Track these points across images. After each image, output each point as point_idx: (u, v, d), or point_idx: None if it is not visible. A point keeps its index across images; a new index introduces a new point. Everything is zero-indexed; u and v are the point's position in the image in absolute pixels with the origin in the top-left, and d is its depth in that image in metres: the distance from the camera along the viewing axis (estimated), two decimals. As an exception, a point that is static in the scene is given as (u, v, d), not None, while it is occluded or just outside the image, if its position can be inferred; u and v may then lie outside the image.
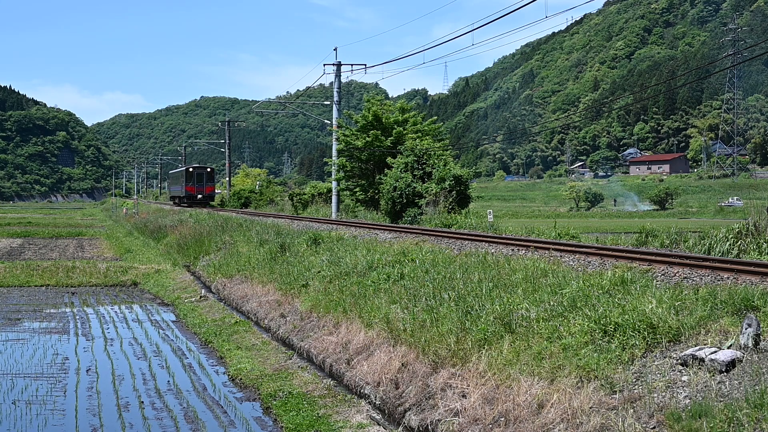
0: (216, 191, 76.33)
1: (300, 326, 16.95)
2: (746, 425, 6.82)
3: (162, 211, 69.71)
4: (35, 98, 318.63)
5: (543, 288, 12.09)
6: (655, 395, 7.97)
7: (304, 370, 13.82)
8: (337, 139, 42.28)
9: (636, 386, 8.32)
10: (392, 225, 28.33)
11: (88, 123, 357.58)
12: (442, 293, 13.45)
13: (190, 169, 70.73)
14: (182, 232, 40.74)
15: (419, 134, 40.97)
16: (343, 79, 42.70)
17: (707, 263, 12.78)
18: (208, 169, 71.97)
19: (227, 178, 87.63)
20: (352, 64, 42.46)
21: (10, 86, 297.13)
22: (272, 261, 23.64)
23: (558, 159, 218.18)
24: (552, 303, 11.18)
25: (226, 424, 11.29)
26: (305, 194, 55.97)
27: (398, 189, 33.55)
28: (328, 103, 44.90)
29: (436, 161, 34.11)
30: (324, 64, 42.22)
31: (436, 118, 47.85)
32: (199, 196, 69.51)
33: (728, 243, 17.77)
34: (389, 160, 37.32)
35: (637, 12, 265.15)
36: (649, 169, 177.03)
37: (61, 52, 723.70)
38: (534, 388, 9.18)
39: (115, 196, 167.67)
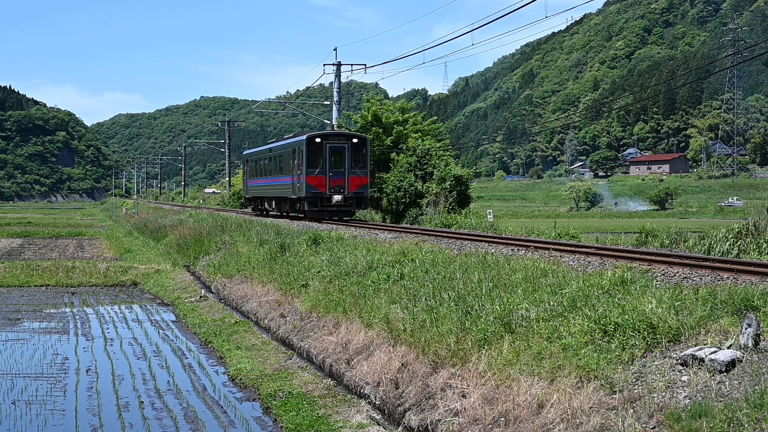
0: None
1: (300, 326, 16.95)
2: (746, 425, 6.82)
3: (161, 210, 69.63)
4: (35, 98, 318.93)
5: (543, 288, 12.08)
6: (655, 395, 7.97)
7: (304, 370, 13.81)
8: (337, 139, 42.18)
9: (636, 386, 8.32)
10: (392, 225, 28.36)
11: (88, 123, 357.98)
12: (441, 293, 13.45)
13: (317, 140, 32.74)
14: (182, 232, 40.73)
15: (419, 134, 41.01)
16: (343, 79, 42.71)
17: (707, 263, 12.79)
18: (355, 140, 33.29)
19: (227, 178, 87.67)
20: (352, 64, 42.48)
21: (10, 86, 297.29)
22: (272, 261, 23.64)
23: (558, 159, 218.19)
24: (552, 303, 11.17)
25: (226, 424, 11.29)
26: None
27: (402, 189, 33.58)
28: (328, 103, 44.88)
29: (437, 161, 34.14)
30: (324, 64, 42.26)
31: (435, 118, 47.88)
32: (337, 197, 32.58)
33: (728, 243, 17.79)
34: (393, 155, 37.35)
35: (637, 12, 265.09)
36: (649, 169, 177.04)
37: (61, 52, 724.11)
38: (534, 388, 9.18)
39: (115, 196, 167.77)
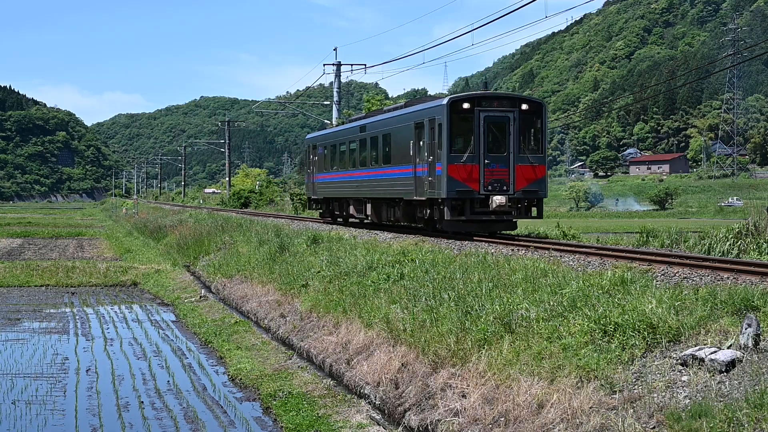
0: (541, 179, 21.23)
1: (300, 326, 16.96)
2: (746, 425, 6.82)
3: (161, 210, 69.64)
4: (35, 98, 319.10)
5: (543, 288, 12.08)
6: (655, 395, 7.97)
7: (304, 370, 13.82)
8: (337, 139, 42.17)
9: (636, 386, 8.32)
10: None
11: (88, 123, 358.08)
12: (441, 293, 13.45)
13: (465, 105, 20.55)
14: (182, 232, 40.75)
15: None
16: (343, 79, 42.79)
17: (707, 263, 12.80)
18: (524, 106, 20.86)
19: (227, 179, 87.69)
20: (351, 64, 42.64)
21: (10, 86, 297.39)
22: (272, 261, 23.65)
23: (558, 159, 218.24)
24: (552, 303, 11.17)
25: (226, 424, 11.30)
26: (305, 194, 55.89)
27: None
28: (328, 103, 44.91)
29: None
30: (324, 64, 42.32)
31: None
32: (498, 199, 20.12)
33: (728, 243, 17.79)
34: None
35: (637, 12, 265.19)
36: (649, 169, 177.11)
37: (61, 52, 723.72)
38: (534, 388, 9.18)
39: (115, 196, 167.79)
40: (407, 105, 24.53)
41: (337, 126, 34.94)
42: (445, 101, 20.58)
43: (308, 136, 36.30)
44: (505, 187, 20.28)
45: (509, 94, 22.82)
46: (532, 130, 21.01)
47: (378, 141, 25.22)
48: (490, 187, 20.19)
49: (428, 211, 21.67)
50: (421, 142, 21.62)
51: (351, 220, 29.81)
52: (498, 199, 19.94)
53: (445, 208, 20.20)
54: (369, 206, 26.26)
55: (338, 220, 31.16)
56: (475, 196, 20.15)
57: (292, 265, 21.58)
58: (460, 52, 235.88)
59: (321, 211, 33.32)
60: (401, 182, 23.00)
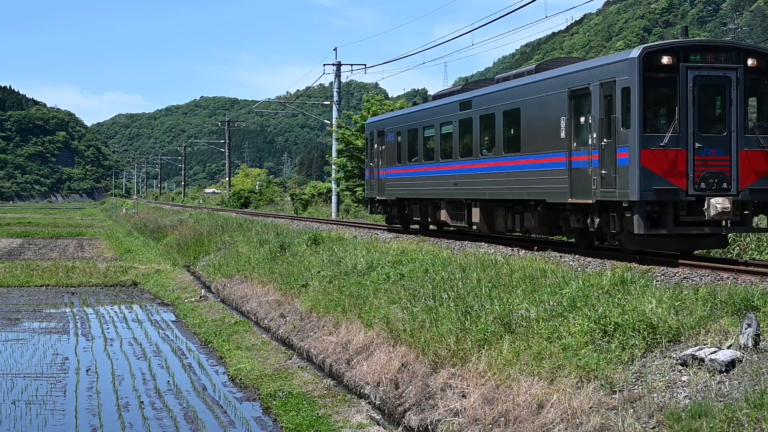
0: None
1: (300, 326, 16.96)
2: (746, 425, 6.82)
3: (161, 210, 69.67)
4: (35, 98, 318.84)
5: (543, 288, 12.08)
6: (655, 395, 7.97)
7: (304, 370, 13.82)
8: (336, 139, 42.30)
9: (636, 386, 8.32)
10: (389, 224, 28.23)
11: (88, 123, 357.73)
12: (441, 293, 13.45)
13: (664, 59, 13.49)
14: (182, 232, 40.74)
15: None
16: (343, 79, 42.77)
17: (707, 263, 12.81)
18: (751, 61, 13.80)
19: (227, 179, 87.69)
20: (352, 64, 42.55)
21: (10, 86, 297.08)
22: (272, 261, 23.65)
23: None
24: (552, 303, 11.17)
25: (226, 424, 11.30)
26: (305, 194, 55.93)
27: None
28: (328, 103, 44.91)
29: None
30: (324, 64, 42.27)
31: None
32: (718, 202, 13.12)
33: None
34: None
35: (637, 12, 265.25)
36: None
37: (61, 52, 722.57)
38: (534, 388, 9.18)
39: (115, 196, 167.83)
40: (540, 69, 17.63)
41: (415, 107, 25.97)
42: (634, 53, 13.89)
43: (369, 120, 29.19)
44: (725, 184, 13.69)
45: (730, 43, 15.56)
46: (764, 97, 14.53)
47: (495, 120, 18.47)
48: (703, 185, 13.60)
49: (595, 219, 14.80)
50: (583, 119, 15.11)
51: (431, 227, 23.94)
52: (718, 203, 13.24)
53: (635, 216, 13.46)
54: (477, 211, 19.38)
55: (411, 227, 24.82)
56: (684, 197, 13.53)
57: (292, 265, 21.58)
58: (460, 52, 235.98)
59: (388, 215, 26.17)
60: (541, 177, 16.37)
